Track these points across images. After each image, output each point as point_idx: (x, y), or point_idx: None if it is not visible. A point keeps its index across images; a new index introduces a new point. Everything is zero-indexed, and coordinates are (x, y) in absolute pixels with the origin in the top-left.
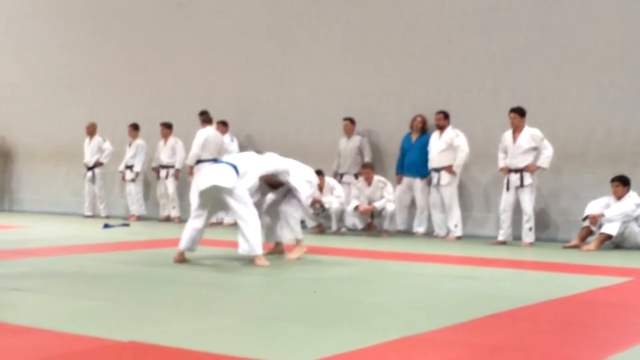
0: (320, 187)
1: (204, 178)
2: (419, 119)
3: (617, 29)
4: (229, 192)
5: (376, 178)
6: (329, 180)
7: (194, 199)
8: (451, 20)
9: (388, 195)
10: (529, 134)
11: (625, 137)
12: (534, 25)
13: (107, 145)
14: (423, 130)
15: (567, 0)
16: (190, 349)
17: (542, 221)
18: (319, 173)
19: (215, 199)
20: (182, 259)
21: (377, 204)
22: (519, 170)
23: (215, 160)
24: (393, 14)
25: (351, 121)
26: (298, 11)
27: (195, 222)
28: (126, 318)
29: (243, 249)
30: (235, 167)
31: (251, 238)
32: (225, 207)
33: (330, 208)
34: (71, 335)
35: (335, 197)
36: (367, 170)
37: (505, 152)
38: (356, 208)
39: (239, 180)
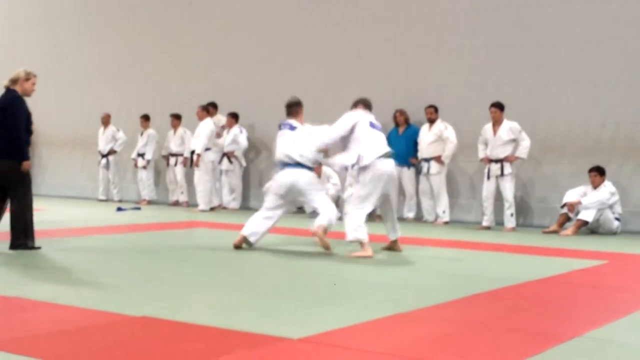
0: (318, 176)
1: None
2: (397, 113)
3: (595, 30)
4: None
5: None
6: (326, 169)
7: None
8: (441, 21)
9: None
10: (508, 126)
11: (602, 131)
12: (518, 25)
13: (121, 135)
14: (407, 123)
15: (548, 3)
16: (197, 323)
17: (523, 208)
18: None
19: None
20: (240, 245)
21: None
22: (499, 161)
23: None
24: (388, 16)
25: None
26: (303, 7)
27: (267, 222)
28: (139, 294)
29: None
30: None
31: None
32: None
33: (327, 195)
34: (87, 310)
35: (332, 184)
36: None
37: (485, 143)
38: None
39: None
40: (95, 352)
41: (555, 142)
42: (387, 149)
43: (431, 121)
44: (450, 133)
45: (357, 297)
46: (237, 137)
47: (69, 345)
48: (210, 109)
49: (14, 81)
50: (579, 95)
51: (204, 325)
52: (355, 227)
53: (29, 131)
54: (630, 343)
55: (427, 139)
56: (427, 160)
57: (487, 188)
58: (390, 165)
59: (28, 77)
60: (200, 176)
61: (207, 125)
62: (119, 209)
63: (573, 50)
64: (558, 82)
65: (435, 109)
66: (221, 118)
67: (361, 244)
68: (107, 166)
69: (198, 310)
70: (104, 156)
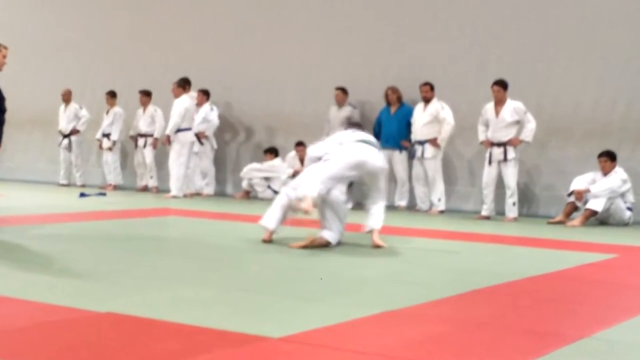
0: (302, 159)
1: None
2: (389, 91)
3: (605, 2)
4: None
5: None
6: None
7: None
8: None
9: None
10: (512, 107)
11: (612, 112)
12: None
13: (84, 113)
14: (400, 102)
15: None
16: (168, 320)
17: (527, 196)
18: (300, 144)
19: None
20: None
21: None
22: (502, 144)
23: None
24: None
25: (343, 91)
26: None
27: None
28: (104, 289)
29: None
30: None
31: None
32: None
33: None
34: (48, 305)
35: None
36: None
37: (486, 125)
38: None
39: None
40: (57, 351)
41: (561, 124)
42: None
43: (426, 100)
44: (447, 113)
45: (344, 293)
46: (208, 116)
47: (27, 343)
48: (186, 85)
49: None
50: (588, 72)
51: (176, 323)
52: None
53: (2, 110)
54: None
55: (422, 120)
56: (422, 143)
57: (488, 174)
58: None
59: None
60: (174, 159)
61: (182, 102)
62: (82, 195)
63: (582, 23)
64: (565, 57)
65: (431, 87)
66: (194, 95)
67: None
68: (68, 147)
69: (170, 306)
70: (65, 136)
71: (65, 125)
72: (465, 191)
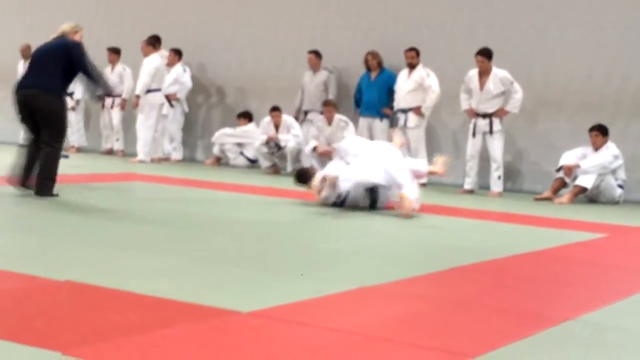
0: (277, 125)
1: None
2: (369, 56)
3: None
4: None
5: (337, 117)
6: (287, 118)
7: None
8: None
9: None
10: (498, 77)
11: (606, 85)
12: None
13: None
14: (380, 67)
15: None
16: (130, 291)
17: (514, 171)
18: (275, 109)
19: None
20: None
21: (337, 145)
22: (488, 116)
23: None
24: None
25: (317, 54)
26: None
27: None
28: (63, 256)
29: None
30: None
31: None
32: None
33: (287, 147)
34: (3, 271)
35: (293, 136)
36: (328, 108)
37: (469, 93)
38: (314, 149)
39: None
40: (11, 321)
41: (552, 96)
42: None
43: (411, 67)
44: (432, 81)
45: (318, 267)
46: (181, 77)
47: None
48: (156, 43)
49: (64, 34)
50: (583, 41)
51: (138, 294)
52: None
53: None
54: (630, 328)
55: (406, 87)
56: (405, 111)
57: (473, 146)
58: None
59: (75, 30)
60: (142, 121)
61: (152, 61)
62: None
63: None
64: (559, 25)
65: (417, 53)
66: (164, 54)
67: None
68: None
69: (132, 276)
70: None
71: None
72: (449, 163)
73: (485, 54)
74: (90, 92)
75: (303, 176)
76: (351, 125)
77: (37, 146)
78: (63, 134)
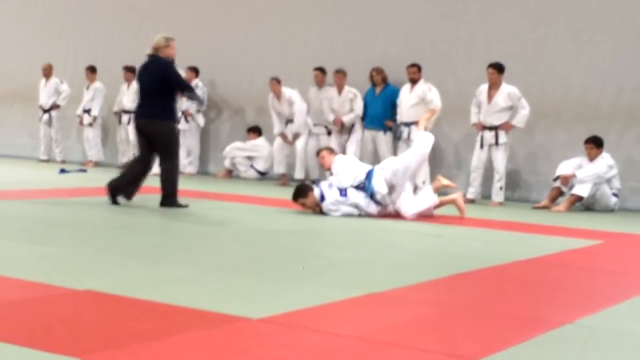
0: (277, 95)
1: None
2: (374, 72)
3: None
4: None
5: (347, 88)
6: (287, 91)
7: None
8: None
9: (358, 109)
10: (507, 92)
11: (601, 97)
12: None
13: (65, 87)
14: (385, 82)
15: None
16: (146, 299)
17: (513, 180)
18: (274, 79)
19: None
20: None
21: (345, 118)
22: (494, 128)
23: None
24: None
25: (322, 71)
26: None
27: None
28: (83, 266)
29: None
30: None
31: None
32: None
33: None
34: (25, 282)
35: (298, 113)
36: (339, 75)
37: (479, 107)
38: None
39: None
40: (33, 329)
41: (549, 108)
42: None
43: (413, 81)
44: (434, 95)
45: (325, 274)
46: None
47: (3, 320)
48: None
49: (156, 49)
50: (578, 55)
51: (153, 302)
52: None
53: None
54: (626, 331)
55: (408, 102)
56: (408, 124)
57: (478, 157)
58: None
59: (167, 43)
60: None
61: None
62: (62, 171)
63: (573, 6)
64: (555, 39)
65: (419, 68)
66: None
67: None
68: (49, 122)
69: (148, 285)
70: (45, 111)
71: (45, 100)
72: (451, 174)
73: (496, 67)
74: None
75: (300, 193)
76: (359, 97)
77: (144, 164)
78: (175, 152)
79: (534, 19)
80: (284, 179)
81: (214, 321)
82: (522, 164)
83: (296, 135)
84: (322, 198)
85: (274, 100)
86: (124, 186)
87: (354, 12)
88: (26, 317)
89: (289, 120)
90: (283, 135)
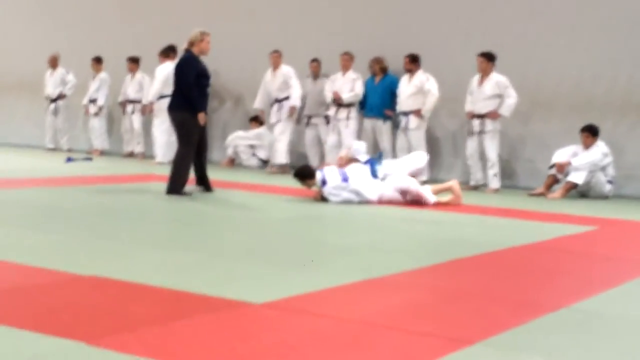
0: (275, 66)
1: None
2: (373, 62)
3: None
4: None
5: (352, 71)
6: (285, 68)
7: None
8: None
9: (358, 89)
10: (495, 80)
11: (595, 86)
12: None
13: (71, 77)
14: (384, 72)
15: None
16: (152, 285)
17: (509, 168)
18: (275, 51)
19: None
20: None
21: (345, 96)
22: (481, 116)
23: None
24: None
25: (317, 62)
26: None
27: None
28: (88, 252)
29: None
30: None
31: None
32: None
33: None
34: (32, 267)
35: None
36: (346, 57)
37: (472, 95)
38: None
39: None
40: (40, 313)
41: (545, 97)
42: None
43: (409, 72)
44: (432, 85)
45: (326, 260)
46: None
47: (11, 305)
48: (170, 53)
49: (192, 43)
50: (572, 46)
51: (159, 287)
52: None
53: (203, 86)
54: (620, 315)
55: (407, 91)
56: (406, 114)
57: (471, 145)
58: None
59: (202, 37)
60: (157, 126)
61: (163, 69)
62: (69, 160)
63: None
64: (550, 31)
65: (413, 59)
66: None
67: None
68: (55, 112)
69: (153, 271)
70: (52, 101)
71: (52, 90)
72: (449, 162)
73: (486, 55)
74: None
75: (303, 174)
76: (361, 80)
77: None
78: (186, 142)
79: (529, 11)
80: (273, 168)
81: (218, 306)
82: (518, 153)
83: (293, 109)
84: (324, 182)
85: (268, 74)
86: (198, 179)
87: (355, 5)
88: (33, 303)
89: (277, 100)
90: (262, 113)
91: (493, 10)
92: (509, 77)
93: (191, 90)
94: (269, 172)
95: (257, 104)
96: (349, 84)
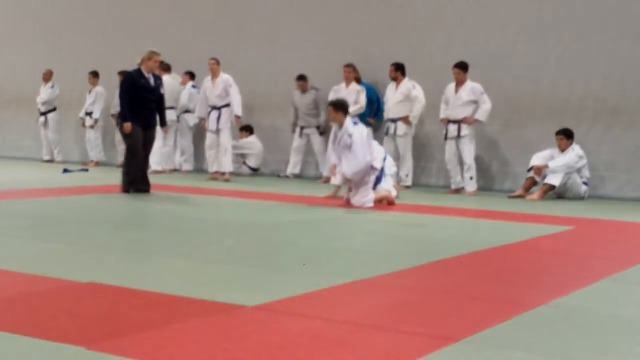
0: (214, 74)
1: None
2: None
3: None
4: None
5: (354, 84)
6: (225, 77)
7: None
8: None
9: (362, 102)
10: (470, 87)
11: (570, 92)
12: None
13: (53, 91)
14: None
15: None
16: (147, 290)
17: (488, 172)
18: (213, 59)
19: None
20: None
21: (351, 109)
22: (458, 122)
23: (173, 108)
24: None
25: (303, 79)
26: None
27: None
28: (86, 260)
29: None
30: None
31: None
32: None
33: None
34: (31, 276)
35: (235, 104)
36: (348, 69)
37: (447, 104)
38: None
39: None
40: (40, 320)
41: (522, 103)
42: None
43: (394, 80)
44: (418, 92)
45: (315, 263)
46: (194, 97)
47: (11, 312)
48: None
49: (142, 61)
50: (547, 53)
51: (154, 292)
52: None
53: (145, 99)
54: (597, 312)
55: (395, 99)
56: (394, 121)
57: (449, 150)
58: None
59: (150, 57)
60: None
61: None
62: (66, 171)
63: (543, 9)
64: (526, 41)
65: (396, 68)
66: (176, 77)
67: None
68: (45, 125)
69: (148, 277)
70: (42, 114)
71: (41, 104)
72: (430, 167)
73: (461, 67)
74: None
75: (343, 105)
76: (365, 92)
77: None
78: (127, 146)
79: (505, 23)
80: (215, 175)
81: (211, 310)
82: (497, 156)
83: (238, 119)
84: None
85: (207, 82)
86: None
87: (342, 19)
88: (33, 310)
89: (215, 108)
90: (203, 122)
91: (472, 22)
92: (488, 84)
93: (122, 102)
94: (222, 179)
95: (199, 112)
96: (354, 96)
